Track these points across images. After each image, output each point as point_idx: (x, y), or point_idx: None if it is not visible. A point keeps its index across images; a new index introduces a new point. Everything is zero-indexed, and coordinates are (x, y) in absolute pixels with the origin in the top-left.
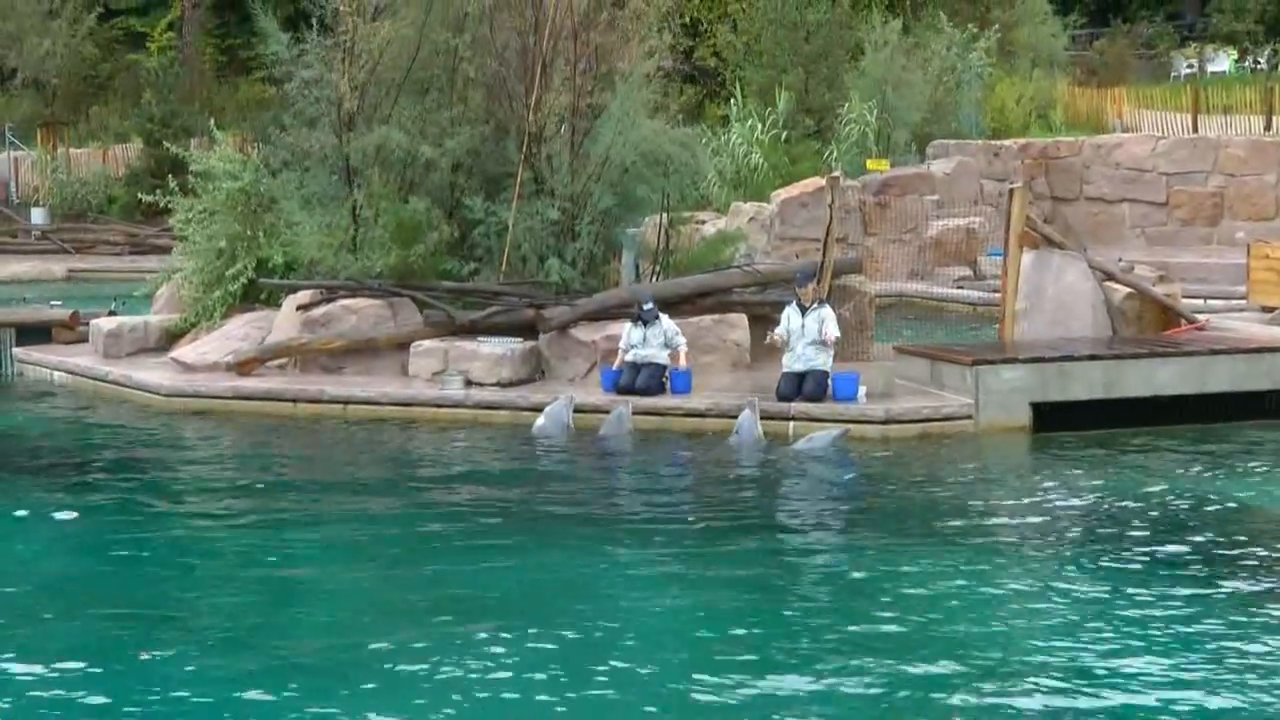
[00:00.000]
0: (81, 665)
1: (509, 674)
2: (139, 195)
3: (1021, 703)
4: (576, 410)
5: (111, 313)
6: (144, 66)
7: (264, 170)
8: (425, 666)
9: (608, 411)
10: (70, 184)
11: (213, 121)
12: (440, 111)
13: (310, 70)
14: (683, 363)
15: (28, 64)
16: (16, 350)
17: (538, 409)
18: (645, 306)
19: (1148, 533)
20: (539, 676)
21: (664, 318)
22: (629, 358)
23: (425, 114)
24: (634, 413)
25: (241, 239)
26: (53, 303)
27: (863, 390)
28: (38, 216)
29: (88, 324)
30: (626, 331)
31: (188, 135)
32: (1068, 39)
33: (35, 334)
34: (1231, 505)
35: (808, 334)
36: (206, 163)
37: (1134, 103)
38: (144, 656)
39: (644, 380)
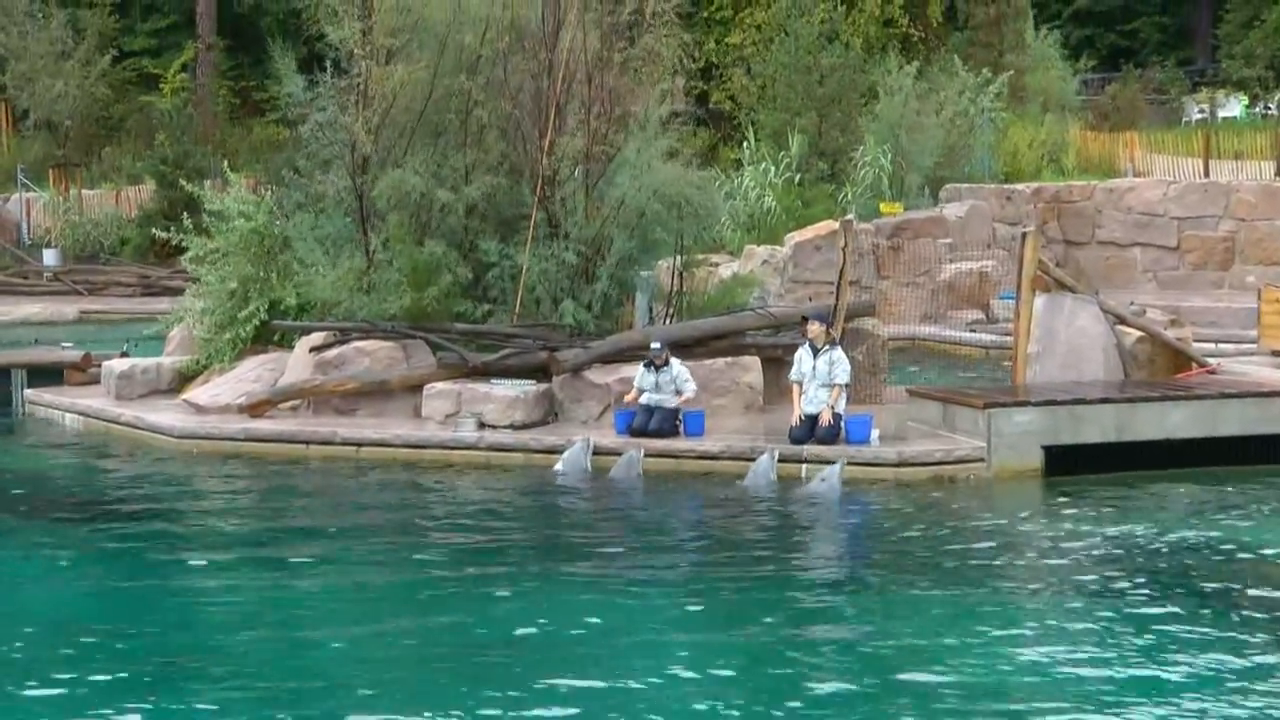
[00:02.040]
0: (89, 707)
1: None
2: (151, 236)
3: None
4: (594, 453)
5: (123, 354)
6: (157, 108)
7: (278, 212)
8: (435, 713)
9: (621, 454)
10: (82, 225)
11: (226, 163)
12: (455, 155)
13: (324, 113)
14: (688, 395)
15: (40, 105)
16: (28, 392)
17: (551, 451)
18: (654, 346)
19: (1161, 577)
20: None
21: (675, 362)
22: (643, 400)
23: (440, 157)
24: (647, 455)
25: (254, 280)
26: (64, 344)
27: (875, 433)
28: (50, 258)
29: (99, 365)
30: (639, 375)
31: (201, 177)
32: (1079, 84)
33: (47, 375)
34: (1245, 549)
35: (819, 376)
36: (220, 202)
37: (1146, 147)
38: (151, 699)
39: (657, 423)
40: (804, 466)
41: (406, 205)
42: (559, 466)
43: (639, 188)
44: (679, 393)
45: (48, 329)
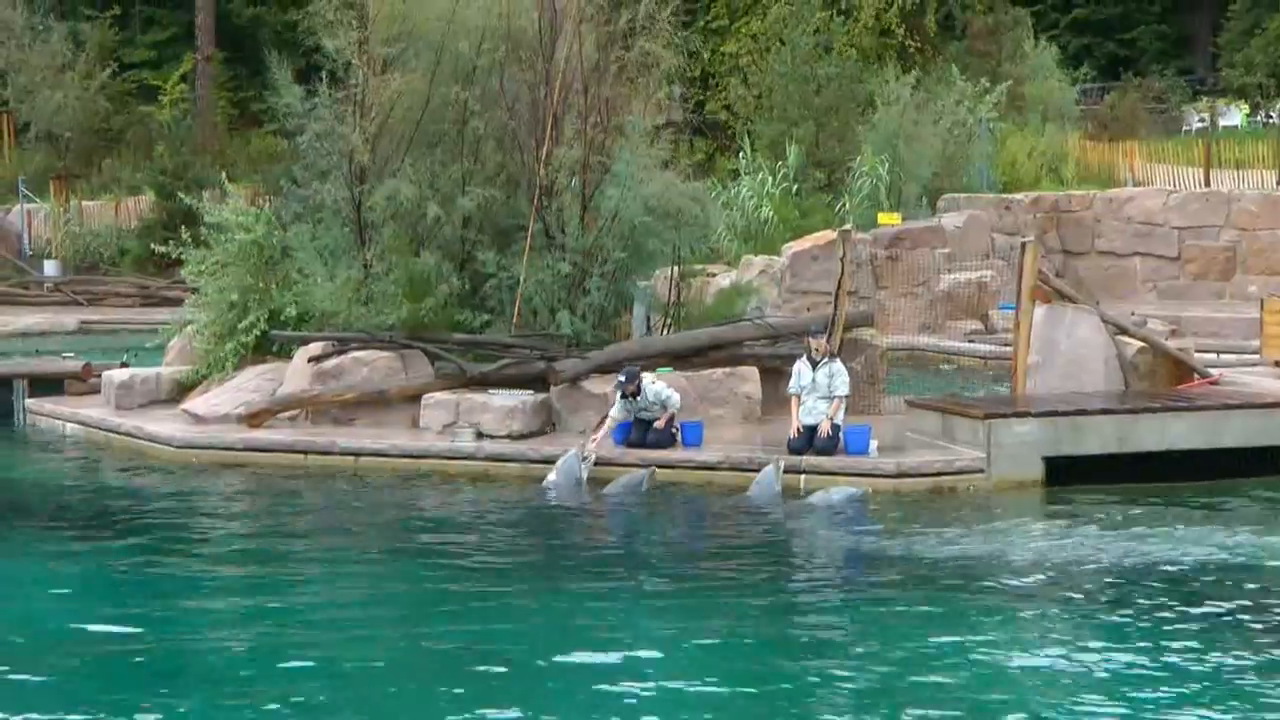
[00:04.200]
0: (82, 716)
1: None
2: (151, 247)
3: None
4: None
5: (123, 365)
6: (156, 119)
7: (276, 223)
8: None
9: (619, 465)
10: (82, 236)
11: (224, 174)
12: (452, 165)
13: (322, 123)
14: (673, 410)
15: (41, 117)
16: (29, 402)
17: (549, 461)
18: (620, 379)
19: (1161, 589)
20: None
21: (647, 386)
22: (639, 415)
23: (437, 168)
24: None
25: (254, 291)
26: (65, 355)
27: (874, 444)
28: (50, 269)
29: (100, 376)
30: (616, 406)
31: (200, 188)
32: (1077, 93)
33: (47, 386)
34: (1246, 562)
35: (819, 388)
36: (220, 215)
37: (1145, 157)
38: (145, 708)
39: (655, 436)
40: (802, 478)
41: (402, 216)
42: (552, 476)
43: (630, 199)
44: (665, 408)
45: (48, 339)
